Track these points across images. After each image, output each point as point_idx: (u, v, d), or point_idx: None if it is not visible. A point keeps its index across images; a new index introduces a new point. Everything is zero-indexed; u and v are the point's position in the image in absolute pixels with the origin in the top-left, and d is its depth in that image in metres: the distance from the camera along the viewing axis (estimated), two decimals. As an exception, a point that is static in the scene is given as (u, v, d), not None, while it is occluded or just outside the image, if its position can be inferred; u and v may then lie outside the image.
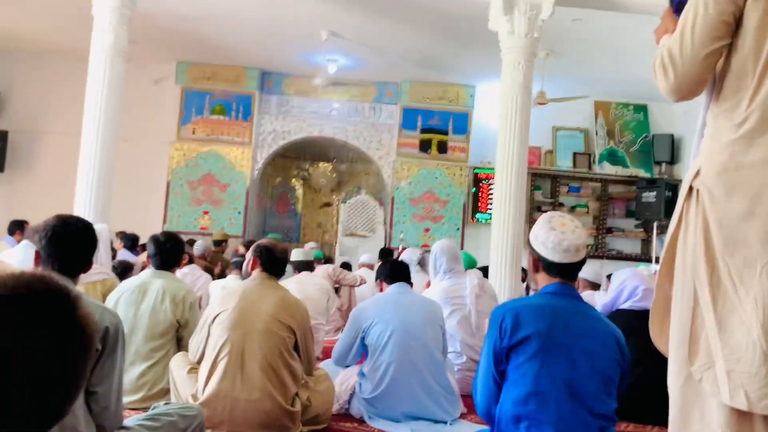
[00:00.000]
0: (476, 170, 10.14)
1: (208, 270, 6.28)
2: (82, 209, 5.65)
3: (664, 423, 1.69)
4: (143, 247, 6.43)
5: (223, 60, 9.66)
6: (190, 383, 2.95)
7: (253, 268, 3.17)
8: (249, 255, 3.22)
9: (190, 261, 5.71)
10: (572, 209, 10.03)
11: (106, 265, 4.20)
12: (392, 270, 3.69)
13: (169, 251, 3.59)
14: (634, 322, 3.20)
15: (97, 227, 2.44)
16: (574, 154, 10.15)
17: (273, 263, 3.15)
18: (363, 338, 3.40)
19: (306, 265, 5.33)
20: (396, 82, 10.11)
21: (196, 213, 9.80)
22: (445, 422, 3.32)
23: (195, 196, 9.81)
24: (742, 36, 1.57)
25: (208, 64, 9.85)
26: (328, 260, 8.27)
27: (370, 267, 7.31)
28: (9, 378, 0.91)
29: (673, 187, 8.86)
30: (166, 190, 9.78)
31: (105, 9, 5.78)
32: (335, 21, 7.64)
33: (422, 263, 6.55)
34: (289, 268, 4.25)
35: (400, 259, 6.01)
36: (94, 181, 5.75)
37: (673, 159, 9.88)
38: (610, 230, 10.11)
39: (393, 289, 3.58)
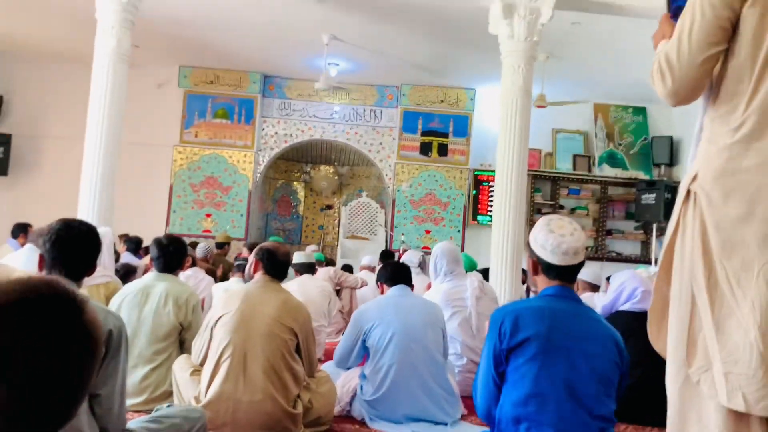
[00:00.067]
0: (476, 173, 10.16)
1: (211, 272, 6.29)
2: (85, 212, 5.67)
3: (663, 424, 1.69)
4: (146, 250, 6.44)
5: (226, 64, 9.69)
6: (193, 385, 2.96)
7: (255, 271, 3.19)
8: (251, 258, 3.24)
9: (193, 264, 5.73)
10: (572, 211, 10.04)
11: (110, 268, 4.22)
12: (393, 272, 3.70)
13: (172, 254, 3.60)
14: (633, 324, 3.21)
15: (101, 230, 2.46)
16: (574, 156, 10.17)
17: (275, 266, 3.17)
18: (364, 340, 3.41)
19: (307, 268, 5.35)
20: (396, 86, 10.14)
21: (198, 216, 9.83)
22: (446, 424, 3.32)
23: (198, 199, 9.84)
24: (739, 41, 1.59)
25: (210, 68, 9.89)
26: (330, 262, 8.27)
27: (372, 269, 7.31)
28: (17, 381, 0.92)
29: (673, 188, 8.86)
30: (169, 193, 9.81)
31: (108, 13, 5.81)
32: (336, 25, 7.66)
33: (423, 265, 6.56)
34: (290, 270, 4.26)
35: (400, 261, 6.02)
36: (97, 184, 5.77)
37: (673, 161, 9.89)
38: (609, 232, 10.12)
39: (394, 291, 3.59)
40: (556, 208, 9.98)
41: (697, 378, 1.57)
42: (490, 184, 9.64)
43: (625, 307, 3.64)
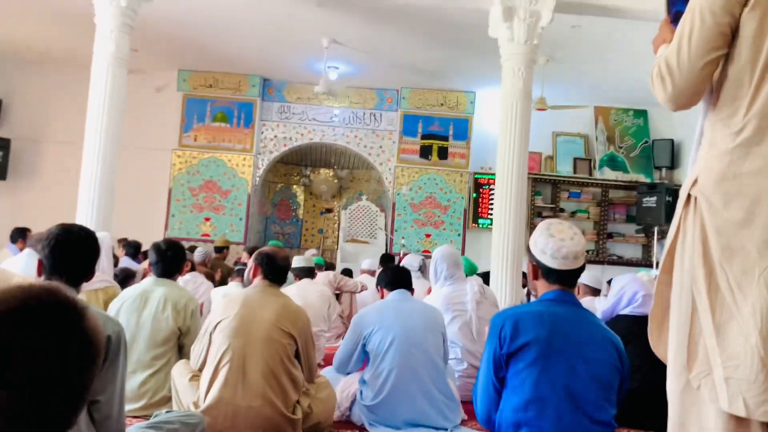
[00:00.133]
0: (477, 176, 10.16)
1: (209, 277, 6.29)
2: (84, 217, 5.67)
3: (663, 429, 1.69)
4: (145, 255, 6.43)
5: (225, 67, 9.70)
6: (192, 391, 2.95)
7: (254, 276, 3.18)
8: (251, 263, 3.23)
9: (193, 268, 5.72)
10: (573, 215, 10.04)
11: (108, 272, 4.21)
12: (393, 277, 3.69)
13: (171, 259, 3.60)
14: (633, 328, 3.21)
15: (99, 235, 2.45)
16: (575, 159, 10.17)
17: (274, 271, 3.16)
18: (364, 345, 3.41)
19: (307, 272, 5.34)
20: (396, 89, 10.15)
21: (197, 220, 9.82)
22: (446, 429, 3.31)
23: (196, 203, 9.84)
24: (739, 46, 1.59)
25: (209, 72, 9.90)
26: (330, 266, 8.27)
27: (372, 273, 7.30)
28: (19, 388, 0.92)
29: (674, 192, 8.86)
30: (168, 197, 9.81)
31: (107, 17, 5.80)
32: (336, 28, 7.67)
33: (423, 269, 6.56)
34: (289, 275, 4.26)
35: (400, 265, 6.01)
36: (96, 188, 5.76)
37: (674, 164, 9.89)
38: (610, 235, 10.12)
39: (394, 296, 3.59)
40: (557, 211, 9.98)
41: (697, 383, 1.56)
42: (491, 187, 9.65)
43: (626, 311, 3.63)
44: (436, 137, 10.10)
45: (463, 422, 3.47)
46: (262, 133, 10.11)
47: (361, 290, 6.57)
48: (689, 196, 1.66)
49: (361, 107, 10.23)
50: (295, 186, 11.89)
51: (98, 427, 1.96)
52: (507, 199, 5.98)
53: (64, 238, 2.15)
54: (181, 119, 9.89)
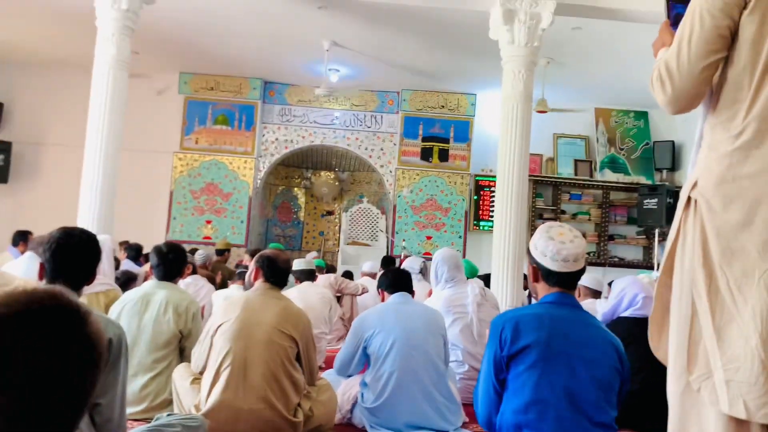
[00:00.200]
0: (477, 178, 10.17)
1: (210, 279, 6.29)
2: (85, 220, 5.67)
3: (663, 431, 1.69)
4: (147, 258, 6.43)
5: (226, 70, 9.71)
6: (193, 394, 2.96)
7: (255, 279, 3.19)
8: (252, 266, 3.24)
9: (194, 271, 5.72)
10: (574, 216, 10.04)
11: (109, 275, 4.21)
12: (393, 279, 3.69)
13: (172, 262, 3.60)
14: (634, 330, 3.20)
15: (100, 238, 2.46)
16: (576, 161, 10.17)
17: (275, 274, 3.16)
18: (365, 348, 3.40)
19: (307, 275, 5.34)
20: (397, 91, 10.16)
21: (199, 222, 9.83)
22: (447, 431, 3.32)
23: (198, 205, 9.85)
24: (738, 49, 1.59)
25: (210, 75, 9.91)
26: (330, 269, 8.27)
27: (373, 276, 7.30)
28: (21, 392, 0.93)
29: (675, 193, 8.85)
30: (169, 200, 9.82)
31: (108, 21, 5.81)
32: (337, 31, 7.68)
33: (424, 272, 6.55)
34: (290, 277, 4.26)
35: (401, 267, 6.01)
36: (97, 191, 5.77)
37: (674, 166, 9.88)
38: (611, 237, 10.11)
39: (394, 298, 3.59)
40: (558, 213, 9.98)
41: (698, 386, 1.56)
42: (492, 189, 9.65)
43: (627, 314, 3.63)
44: (437, 139, 10.11)
45: (464, 425, 3.47)
46: (263, 135, 10.12)
47: (362, 293, 6.57)
48: (689, 198, 1.66)
49: (361, 109, 10.24)
50: (296, 188, 11.90)
51: (99, 430, 1.96)
52: (508, 201, 5.99)
53: (65, 241, 2.15)
54: (182, 122, 9.90)
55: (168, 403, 3.25)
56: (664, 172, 9.96)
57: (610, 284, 5.16)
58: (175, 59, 9.33)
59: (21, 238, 6.64)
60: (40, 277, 2.16)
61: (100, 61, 5.86)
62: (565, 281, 2.22)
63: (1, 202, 9.63)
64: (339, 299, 6.24)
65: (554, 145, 10.21)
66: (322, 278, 6.26)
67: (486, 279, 5.99)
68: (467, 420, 3.51)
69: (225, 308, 3.07)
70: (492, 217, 8.38)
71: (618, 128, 10.25)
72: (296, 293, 4.78)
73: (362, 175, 11.74)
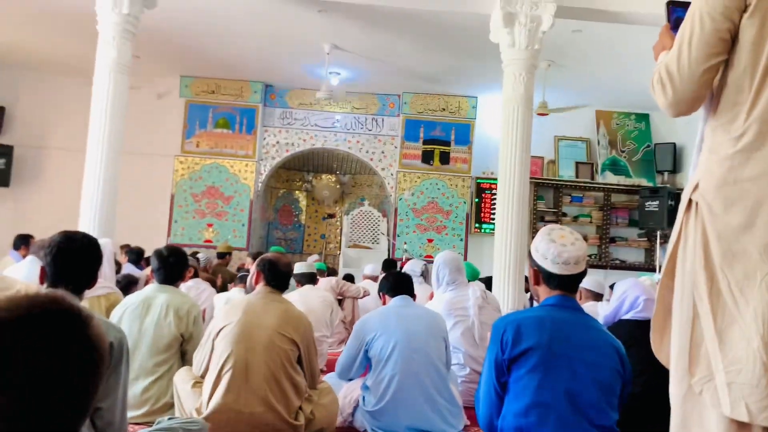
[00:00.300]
0: (479, 180, 10.17)
1: (210, 283, 6.28)
2: (86, 223, 5.68)
3: (665, 434, 1.69)
4: (148, 261, 6.43)
5: (227, 74, 9.72)
6: (195, 397, 2.95)
7: (257, 282, 3.19)
8: (253, 269, 3.24)
9: (196, 274, 5.72)
10: (575, 219, 10.03)
11: (110, 279, 4.22)
12: (395, 283, 3.69)
13: (173, 265, 3.60)
14: (635, 333, 3.19)
15: (101, 242, 2.46)
16: (577, 163, 10.17)
17: (276, 277, 3.16)
18: (366, 351, 3.40)
19: (309, 278, 5.34)
20: (398, 94, 10.16)
21: (200, 226, 9.84)
22: (449, 434, 3.32)
23: (199, 208, 9.85)
24: (738, 52, 1.59)
25: (211, 78, 9.92)
26: (332, 272, 8.27)
27: (374, 279, 7.30)
28: (23, 396, 0.93)
29: (676, 195, 8.84)
30: (171, 204, 9.82)
31: (109, 25, 5.83)
32: (338, 34, 7.69)
33: (425, 275, 6.55)
34: (291, 281, 4.26)
35: (402, 270, 6.01)
36: (98, 195, 5.77)
37: (676, 168, 9.87)
38: (613, 240, 10.10)
39: (396, 301, 3.59)
40: (559, 215, 9.97)
41: (699, 388, 1.56)
42: (493, 192, 9.65)
43: (628, 316, 3.61)
44: (438, 142, 10.12)
45: (466, 428, 3.46)
46: (264, 138, 10.13)
47: (364, 296, 6.56)
48: (690, 200, 1.67)
49: (362, 112, 10.25)
50: (297, 192, 11.90)
51: (100, 433, 1.96)
52: (509, 204, 5.98)
53: (66, 245, 2.16)
54: (183, 125, 9.91)
55: (169, 406, 3.24)
56: (666, 174, 9.95)
57: (611, 287, 5.16)
58: (176, 63, 9.34)
59: (22, 242, 6.64)
60: (42, 281, 2.16)
61: (101, 64, 5.87)
62: (567, 284, 2.21)
63: (3, 205, 9.65)
64: (340, 302, 6.24)
65: (555, 148, 10.21)
66: (324, 281, 6.26)
67: (487, 282, 5.99)
68: (469, 423, 3.50)
69: (226, 311, 3.07)
70: (493, 219, 8.39)
71: (619, 130, 10.25)
72: (297, 296, 4.78)
73: (363, 178, 11.74)
